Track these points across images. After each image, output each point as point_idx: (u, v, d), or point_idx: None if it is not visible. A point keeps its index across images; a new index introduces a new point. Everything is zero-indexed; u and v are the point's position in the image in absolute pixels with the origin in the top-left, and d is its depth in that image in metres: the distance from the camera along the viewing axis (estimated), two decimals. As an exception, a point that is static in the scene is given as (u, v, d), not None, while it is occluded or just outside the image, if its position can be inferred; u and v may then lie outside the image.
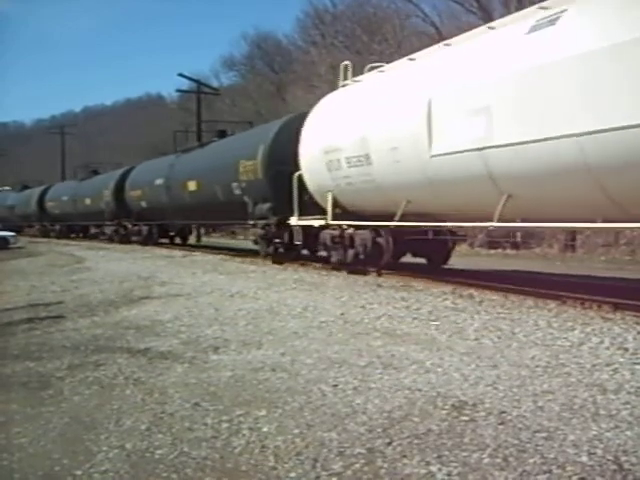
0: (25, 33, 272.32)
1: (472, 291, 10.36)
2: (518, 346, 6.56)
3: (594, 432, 4.14)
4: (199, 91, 39.65)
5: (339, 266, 14.14)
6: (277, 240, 16.85)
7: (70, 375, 6.25)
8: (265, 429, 4.52)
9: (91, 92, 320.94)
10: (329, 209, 14.07)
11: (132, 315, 9.48)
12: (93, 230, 40.03)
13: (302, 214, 15.28)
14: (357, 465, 3.85)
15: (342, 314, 8.69)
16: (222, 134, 24.69)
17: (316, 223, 14.69)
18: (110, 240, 33.12)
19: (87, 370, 6.40)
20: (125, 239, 31.34)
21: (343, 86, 14.70)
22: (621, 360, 5.86)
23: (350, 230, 13.66)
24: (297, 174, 15.14)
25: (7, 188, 61.41)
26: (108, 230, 34.41)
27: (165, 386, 5.71)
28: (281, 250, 16.97)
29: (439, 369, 5.81)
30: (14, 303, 11.41)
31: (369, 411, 4.76)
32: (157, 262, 18.99)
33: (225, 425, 4.64)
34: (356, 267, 13.60)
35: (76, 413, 5.13)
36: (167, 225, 28.45)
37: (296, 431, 4.44)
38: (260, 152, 17.06)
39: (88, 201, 35.48)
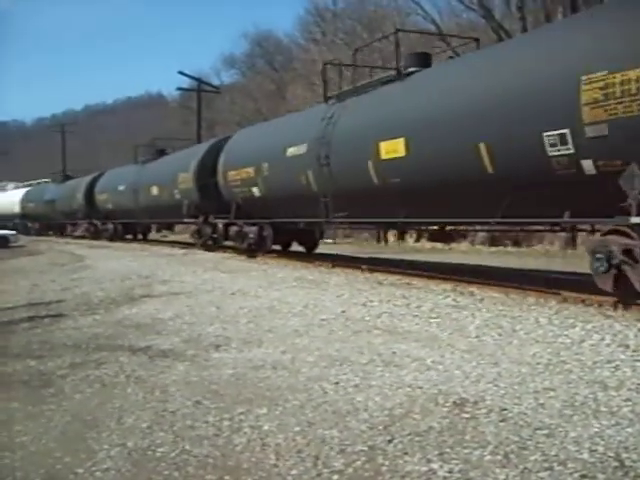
0: (26, 32, 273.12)
1: (473, 288, 10.35)
2: (519, 343, 6.56)
3: (595, 429, 4.14)
4: (200, 89, 39.61)
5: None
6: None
7: (71, 373, 6.25)
8: (266, 427, 4.52)
9: (92, 91, 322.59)
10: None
11: (133, 313, 9.49)
12: (152, 232, 36.02)
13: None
14: (358, 462, 3.85)
15: (343, 312, 8.70)
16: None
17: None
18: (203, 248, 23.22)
19: (88, 368, 6.40)
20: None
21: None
22: (622, 357, 5.85)
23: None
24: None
25: (45, 180, 53.71)
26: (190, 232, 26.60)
27: (166, 384, 5.71)
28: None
29: (440, 366, 5.82)
30: (15, 302, 11.42)
31: (370, 408, 4.76)
32: (158, 260, 19.00)
33: (226, 423, 4.65)
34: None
35: (77, 411, 5.13)
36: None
37: (297, 429, 4.45)
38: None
39: (155, 190, 26.87)
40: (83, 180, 38.09)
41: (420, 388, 5.20)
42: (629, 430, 4.10)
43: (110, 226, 33.66)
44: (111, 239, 32.87)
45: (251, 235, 18.60)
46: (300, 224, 17.22)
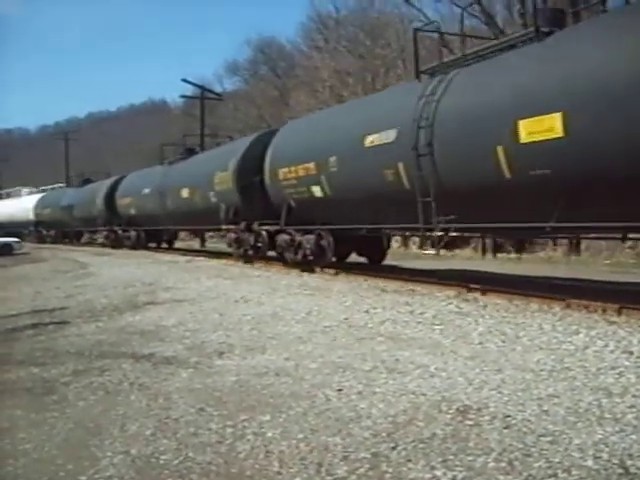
0: (28, 39, 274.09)
1: (476, 295, 10.34)
2: (523, 350, 6.55)
3: (599, 436, 4.13)
4: (203, 97, 39.70)
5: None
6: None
7: (75, 381, 6.25)
8: (269, 434, 4.52)
9: (95, 98, 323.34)
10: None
11: (136, 320, 9.49)
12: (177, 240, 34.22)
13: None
14: (362, 470, 3.85)
15: (346, 319, 8.69)
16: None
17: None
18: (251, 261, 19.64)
19: (92, 375, 6.41)
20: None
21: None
22: (626, 363, 5.84)
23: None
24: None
25: (61, 185, 51.78)
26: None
27: (170, 391, 5.71)
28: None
29: (443, 373, 5.81)
30: (19, 309, 11.43)
31: (373, 415, 4.76)
32: (161, 267, 19.01)
33: (230, 430, 4.64)
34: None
35: (81, 418, 5.13)
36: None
37: (300, 436, 4.44)
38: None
39: (186, 193, 23.41)
40: (103, 184, 35.43)
41: (424, 395, 5.19)
42: (633, 437, 4.09)
43: (133, 233, 30.85)
44: (134, 247, 30.11)
45: (307, 245, 15.64)
46: (363, 230, 14.18)
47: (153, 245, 31.25)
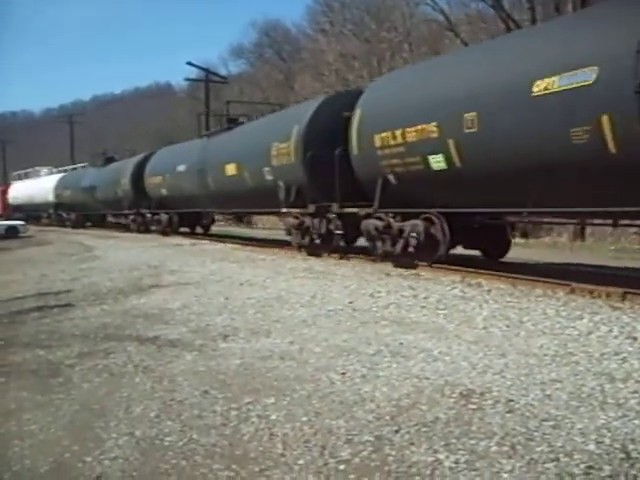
0: (35, 23, 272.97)
1: (481, 280, 10.34)
2: (526, 335, 6.55)
3: (602, 421, 4.14)
4: (207, 80, 39.58)
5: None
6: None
7: (80, 363, 6.29)
8: (274, 417, 4.54)
9: (100, 81, 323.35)
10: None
11: (141, 303, 9.52)
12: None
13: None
14: (365, 453, 3.87)
15: (350, 302, 8.70)
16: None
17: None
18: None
19: (97, 358, 6.44)
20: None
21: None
22: (630, 349, 5.84)
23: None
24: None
25: (82, 165, 45.98)
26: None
27: (174, 374, 5.74)
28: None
29: (447, 357, 5.82)
30: (24, 292, 11.48)
31: (377, 399, 4.77)
32: (166, 251, 19.02)
33: (234, 413, 4.67)
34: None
35: (86, 400, 5.17)
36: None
37: (304, 419, 4.46)
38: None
39: (232, 169, 19.58)
40: (129, 162, 31.68)
41: (427, 379, 5.20)
42: (636, 422, 4.10)
43: (164, 217, 27.29)
44: (164, 233, 26.83)
45: (413, 233, 11.99)
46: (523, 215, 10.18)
47: (186, 230, 27.93)
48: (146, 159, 29.88)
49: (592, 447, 3.76)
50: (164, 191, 26.89)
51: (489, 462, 3.63)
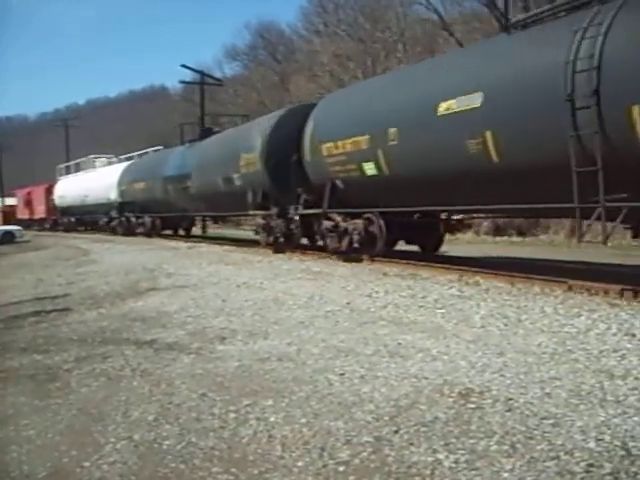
0: (29, 26, 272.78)
1: (478, 278, 10.33)
2: (524, 333, 6.55)
3: (602, 418, 4.13)
4: (202, 82, 39.55)
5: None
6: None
7: (77, 367, 6.27)
8: (272, 419, 4.52)
9: (95, 84, 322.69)
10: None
11: (138, 307, 9.50)
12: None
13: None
14: (364, 454, 3.85)
15: (348, 303, 8.69)
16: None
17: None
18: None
19: (94, 362, 6.42)
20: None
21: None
22: (628, 346, 5.84)
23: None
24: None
25: (159, 148, 33.59)
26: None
27: (172, 377, 5.72)
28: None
29: (445, 357, 5.81)
30: (21, 296, 11.46)
31: (376, 399, 4.76)
32: (162, 253, 18.99)
33: (232, 415, 4.65)
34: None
35: (84, 405, 5.15)
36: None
37: (303, 420, 4.45)
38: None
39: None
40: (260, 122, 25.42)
41: (426, 379, 5.19)
42: (636, 419, 4.09)
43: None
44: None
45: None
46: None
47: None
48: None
49: (592, 445, 3.75)
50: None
51: (489, 461, 3.62)
